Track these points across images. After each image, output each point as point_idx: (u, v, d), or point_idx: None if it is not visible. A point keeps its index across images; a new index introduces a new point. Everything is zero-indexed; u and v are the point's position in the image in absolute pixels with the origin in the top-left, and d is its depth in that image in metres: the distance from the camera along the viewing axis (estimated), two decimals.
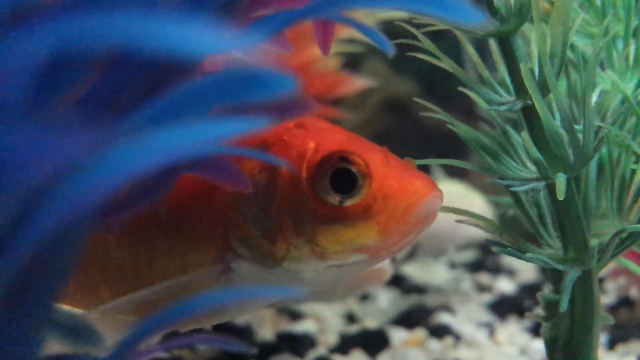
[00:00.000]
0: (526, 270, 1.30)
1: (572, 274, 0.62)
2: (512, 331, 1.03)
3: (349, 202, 0.58)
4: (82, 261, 0.59)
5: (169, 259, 0.64)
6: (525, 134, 0.62)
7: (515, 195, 0.67)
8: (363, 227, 0.58)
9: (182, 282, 0.63)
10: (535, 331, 1.01)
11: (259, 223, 0.60)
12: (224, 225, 0.61)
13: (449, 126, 0.67)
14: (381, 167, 0.59)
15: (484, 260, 1.37)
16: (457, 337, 1.00)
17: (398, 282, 1.23)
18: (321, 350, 0.97)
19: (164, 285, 0.63)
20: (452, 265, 1.35)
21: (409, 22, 0.67)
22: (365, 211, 0.58)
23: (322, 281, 0.64)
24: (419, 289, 1.22)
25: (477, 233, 0.96)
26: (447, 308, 1.11)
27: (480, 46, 0.67)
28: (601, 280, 1.14)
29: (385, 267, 0.87)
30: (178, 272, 0.64)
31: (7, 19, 0.24)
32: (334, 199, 0.58)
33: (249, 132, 0.29)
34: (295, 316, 1.08)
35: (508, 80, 0.64)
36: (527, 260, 0.63)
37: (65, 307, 0.67)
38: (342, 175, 0.58)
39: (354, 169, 0.58)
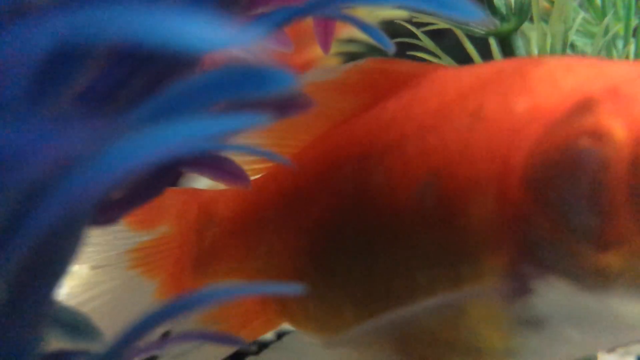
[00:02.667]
0: None
1: None
2: None
3: None
4: (322, 272, 0.53)
5: (434, 268, 0.46)
6: None
7: None
8: None
9: (452, 302, 0.45)
10: None
11: (577, 218, 0.40)
12: (516, 220, 0.42)
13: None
14: None
15: None
16: None
17: None
18: None
19: (425, 306, 0.45)
20: None
21: (409, 21, 0.67)
22: None
23: None
24: None
25: None
26: None
27: (481, 45, 0.67)
28: None
29: None
30: (447, 287, 0.45)
31: (8, 12, 0.24)
32: None
33: (248, 129, 0.29)
34: None
35: None
36: None
37: (65, 303, 0.66)
38: None
39: None
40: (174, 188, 0.64)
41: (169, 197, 0.62)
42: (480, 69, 0.51)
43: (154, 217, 0.62)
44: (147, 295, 0.61)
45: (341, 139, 0.55)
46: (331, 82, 0.55)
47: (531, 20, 0.63)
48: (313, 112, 0.48)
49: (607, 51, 0.69)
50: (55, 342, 0.37)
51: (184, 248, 0.62)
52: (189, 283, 0.61)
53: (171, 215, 0.62)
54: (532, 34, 0.65)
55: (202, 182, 0.78)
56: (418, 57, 0.67)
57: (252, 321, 0.62)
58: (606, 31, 0.66)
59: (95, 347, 0.37)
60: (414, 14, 0.65)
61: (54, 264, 0.32)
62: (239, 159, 0.48)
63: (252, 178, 0.60)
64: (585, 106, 0.42)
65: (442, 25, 0.64)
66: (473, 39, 0.66)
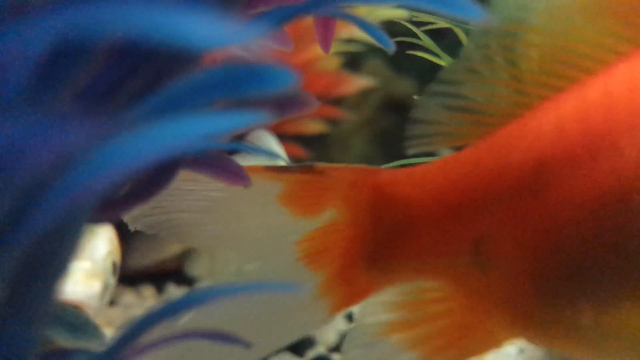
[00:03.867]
0: None
1: None
2: None
3: None
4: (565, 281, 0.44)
5: None
6: None
7: None
8: None
9: None
10: None
11: None
12: None
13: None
14: None
15: None
16: None
17: None
18: (320, 349, 0.97)
19: None
20: None
21: (409, 20, 0.67)
22: None
23: None
24: None
25: None
26: None
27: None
28: None
29: None
30: None
31: (7, 9, 0.24)
32: None
33: (248, 126, 0.29)
34: None
35: None
36: None
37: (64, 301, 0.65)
38: None
39: None
40: (338, 165, 0.54)
41: (335, 176, 0.53)
42: None
43: (318, 201, 0.53)
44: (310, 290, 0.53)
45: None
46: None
47: None
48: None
49: None
50: (56, 340, 0.37)
51: (356, 238, 0.52)
52: (361, 280, 0.53)
53: (338, 198, 0.53)
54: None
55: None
56: (418, 56, 0.67)
57: (465, 337, 0.52)
58: None
59: (96, 346, 0.37)
60: (414, 14, 0.65)
61: (54, 262, 0.32)
62: None
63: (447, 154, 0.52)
64: None
65: (442, 25, 0.64)
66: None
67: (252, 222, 0.53)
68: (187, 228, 0.52)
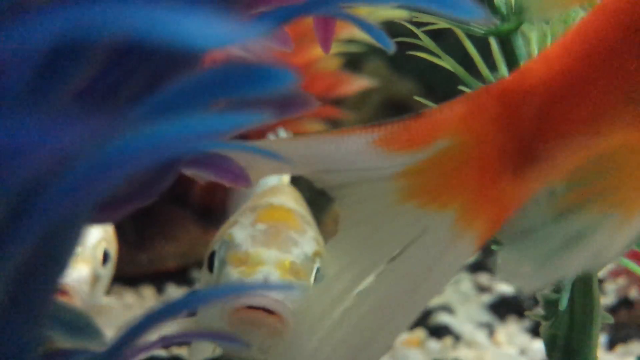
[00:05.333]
0: None
1: None
2: (512, 331, 1.03)
3: None
4: None
5: None
6: None
7: None
8: None
9: None
10: (535, 331, 1.01)
11: None
12: None
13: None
14: None
15: (484, 261, 1.37)
16: (457, 337, 1.00)
17: None
18: None
19: None
20: None
21: (409, 20, 0.67)
22: None
23: None
24: None
25: None
26: (446, 308, 1.11)
27: (481, 45, 0.67)
28: (601, 281, 1.13)
29: None
30: None
31: (7, 9, 0.24)
32: None
33: (248, 126, 0.29)
34: None
35: None
36: None
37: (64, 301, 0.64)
38: None
39: None
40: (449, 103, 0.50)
41: (441, 113, 0.49)
42: None
43: (419, 136, 0.49)
44: (442, 230, 0.48)
45: None
46: None
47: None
48: None
49: None
50: (56, 340, 0.37)
51: (489, 152, 0.48)
52: (508, 194, 0.48)
53: (452, 126, 0.49)
54: (532, 34, 0.65)
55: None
56: (418, 57, 0.67)
57: None
58: None
59: (96, 346, 0.37)
60: (414, 14, 0.65)
61: (53, 262, 0.32)
62: None
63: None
64: None
65: (442, 25, 0.64)
66: (473, 38, 0.66)
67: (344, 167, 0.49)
68: None
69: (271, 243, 0.62)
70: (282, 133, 0.83)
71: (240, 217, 0.67)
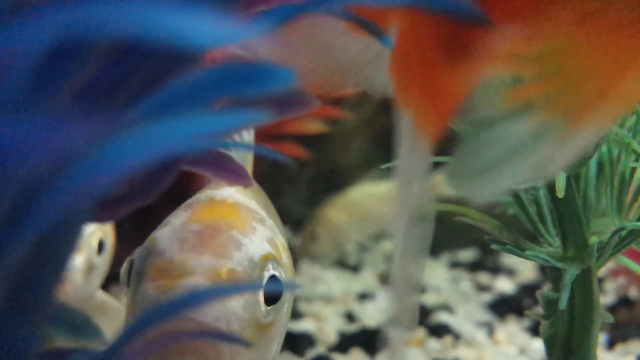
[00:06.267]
0: (526, 270, 1.30)
1: (571, 272, 0.62)
2: (512, 331, 1.03)
3: None
4: None
5: None
6: None
7: (514, 194, 0.67)
8: None
9: None
10: (534, 331, 1.01)
11: None
12: None
13: (449, 125, 0.66)
14: None
15: (484, 260, 1.37)
16: (457, 337, 1.00)
17: None
18: (320, 349, 0.97)
19: None
20: (452, 265, 1.35)
21: None
22: None
23: None
24: None
25: None
26: (446, 307, 1.11)
27: None
28: (600, 280, 1.14)
29: None
30: None
31: (8, 8, 0.24)
32: None
33: (248, 125, 0.29)
34: (295, 315, 1.08)
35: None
36: (526, 258, 0.63)
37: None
38: None
39: None
40: None
41: None
42: None
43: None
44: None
45: None
46: None
47: None
48: None
49: None
50: (56, 340, 0.37)
51: (425, 39, 0.44)
52: (448, 85, 0.44)
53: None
54: None
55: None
56: None
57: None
58: None
59: (96, 346, 0.37)
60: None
61: (53, 261, 0.32)
62: None
63: None
64: None
65: None
66: None
67: None
68: None
69: (204, 247, 0.50)
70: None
71: (173, 216, 0.54)
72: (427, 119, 0.44)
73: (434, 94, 0.44)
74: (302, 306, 1.10)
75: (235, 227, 0.53)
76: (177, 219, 0.53)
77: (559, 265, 0.63)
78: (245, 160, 0.60)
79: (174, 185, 0.43)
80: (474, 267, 1.34)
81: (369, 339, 0.98)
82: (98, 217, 0.38)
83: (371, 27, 0.43)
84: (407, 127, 0.45)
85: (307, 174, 1.50)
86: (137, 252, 0.52)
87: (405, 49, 0.44)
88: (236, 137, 0.57)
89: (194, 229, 0.52)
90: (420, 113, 0.44)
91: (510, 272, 1.31)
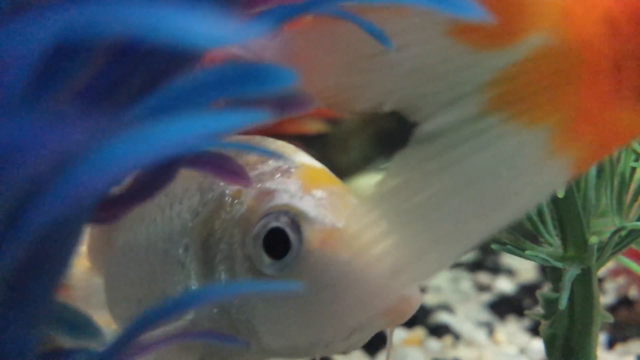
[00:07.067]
0: (526, 270, 1.30)
1: (571, 272, 0.62)
2: (512, 331, 1.03)
3: None
4: None
5: None
6: None
7: None
8: None
9: None
10: (534, 331, 1.01)
11: None
12: None
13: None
14: None
15: (484, 260, 1.37)
16: (457, 337, 1.00)
17: None
18: None
19: None
20: (452, 265, 1.35)
21: None
22: None
23: None
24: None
25: None
26: (446, 307, 1.11)
27: None
28: (600, 280, 1.14)
29: None
30: None
31: (8, 7, 0.24)
32: None
33: (248, 125, 0.29)
34: None
35: None
36: (526, 257, 0.63)
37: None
38: None
39: None
40: None
41: None
42: None
43: (509, 27, 0.39)
44: (530, 149, 0.39)
45: None
46: None
47: None
48: None
49: None
50: (56, 340, 0.37)
51: (601, 60, 0.38)
52: (624, 120, 0.39)
53: (550, 17, 0.38)
54: None
55: None
56: None
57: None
58: None
59: (96, 345, 0.37)
60: None
61: (53, 261, 0.32)
62: None
63: None
64: None
65: None
66: None
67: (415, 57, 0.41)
68: None
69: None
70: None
71: (275, 183, 0.53)
72: (581, 141, 0.39)
73: (602, 121, 0.39)
74: None
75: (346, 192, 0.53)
76: (291, 186, 0.52)
77: (559, 265, 0.63)
78: None
79: None
80: (474, 267, 1.34)
81: (369, 339, 0.98)
82: (98, 217, 0.38)
83: (371, 27, 0.43)
84: (534, 142, 0.40)
85: None
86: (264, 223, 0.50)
87: (573, 61, 0.39)
88: None
89: (322, 195, 0.51)
90: (571, 132, 0.39)
91: (510, 272, 1.31)
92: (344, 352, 0.52)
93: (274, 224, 0.49)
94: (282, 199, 0.51)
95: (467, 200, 0.41)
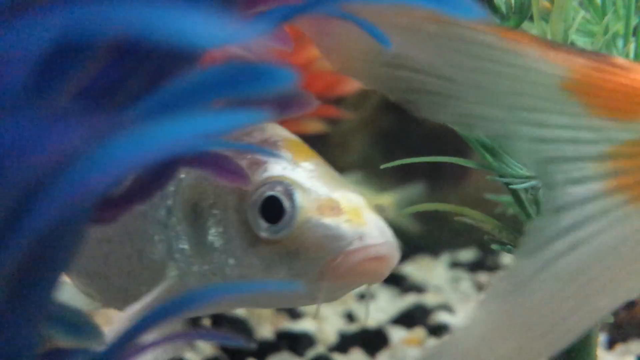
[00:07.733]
0: None
1: None
2: None
3: None
4: None
5: None
6: None
7: (515, 193, 0.67)
8: None
9: None
10: None
11: None
12: None
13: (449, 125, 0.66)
14: None
15: (484, 260, 1.37)
16: None
17: (397, 281, 1.23)
18: (320, 349, 0.97)
19: None
20: (452, 265, 1.35)
21: None
22: None
23: None
24: (418, 288, 1.21)
25: None
26: (446, 307, 1.11)
27: None
28: None
29: None
30: None
31: (9, 6, 0.24)
32: None
33: (248, 125, 0.29)
34: (295, 315, 1.08)
35: None
36: None
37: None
38: None
39: None
40: None
41: None
42: None
43: (628, 102, 0.36)
44: None
45: None
46: None
47: (531, 19, 0.63)
48: None
49: (608, 50, 0.69)
50: (56, 340, 0.37)
51: None
52: None
53: None
54: (532, 33, 0.65)
55: None
56: None
57: None
58: (606, 30, 0.66)
59: (96, 346, 0.37)
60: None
61: (53, 261, 0.32)
62: None
63: None
64: None
65: None
66: None
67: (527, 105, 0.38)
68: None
69: (341, 183, 0.58)
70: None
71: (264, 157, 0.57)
72: None
73: None
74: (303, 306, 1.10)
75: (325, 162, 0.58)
76: (281, 159, 0.57)
77: None
78: None
79: None
80: (474, 267, 1.34)
81: (369, 339, 0.98)
82: (98, 217, 0.38)
83: (370, 27, 0.43)
84: None
85: None
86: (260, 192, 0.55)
87: None
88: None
89: (311, 167, 0.57)
90: None
91: None
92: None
93: (269, 192, 0.55)
94: (276, 170, 0.56)
95: (593, 279, 0.40)
